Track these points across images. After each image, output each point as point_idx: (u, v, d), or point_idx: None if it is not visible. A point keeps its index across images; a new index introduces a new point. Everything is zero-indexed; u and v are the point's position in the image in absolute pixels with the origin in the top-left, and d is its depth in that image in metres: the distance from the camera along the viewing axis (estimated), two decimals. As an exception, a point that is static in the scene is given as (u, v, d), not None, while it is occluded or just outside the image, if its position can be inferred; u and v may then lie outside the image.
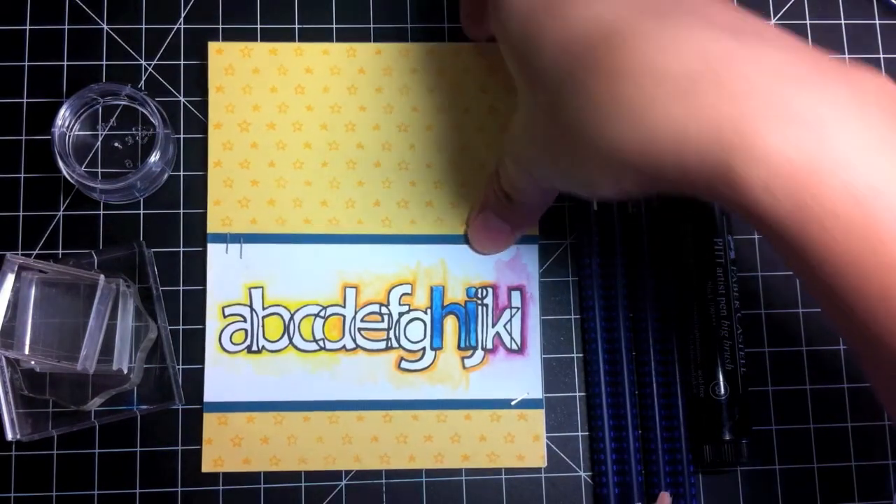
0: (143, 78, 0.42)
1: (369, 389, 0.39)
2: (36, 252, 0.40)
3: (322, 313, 0.39)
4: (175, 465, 0.39)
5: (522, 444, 0.39)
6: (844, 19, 0.44)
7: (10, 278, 0.37)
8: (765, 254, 0.42)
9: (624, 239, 0.41)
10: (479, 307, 0.40)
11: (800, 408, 0.41)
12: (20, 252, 0.40)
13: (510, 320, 0.40)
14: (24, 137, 0.41)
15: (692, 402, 0.40)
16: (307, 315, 0.39)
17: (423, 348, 0.39)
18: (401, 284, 0.40)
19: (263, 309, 0.39)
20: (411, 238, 0.40)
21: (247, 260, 0.39)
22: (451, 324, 0.40)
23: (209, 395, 0.39)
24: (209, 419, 0.39)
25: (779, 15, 0.44)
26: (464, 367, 0.39)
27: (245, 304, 0.39)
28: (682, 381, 0.40)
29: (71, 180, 0.39)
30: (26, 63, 0.42)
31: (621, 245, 0.41)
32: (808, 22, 0.44)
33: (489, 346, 0.40)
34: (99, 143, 0.41)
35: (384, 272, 0.40)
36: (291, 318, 0.39)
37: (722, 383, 0.39)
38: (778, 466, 0.40)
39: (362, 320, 0.39)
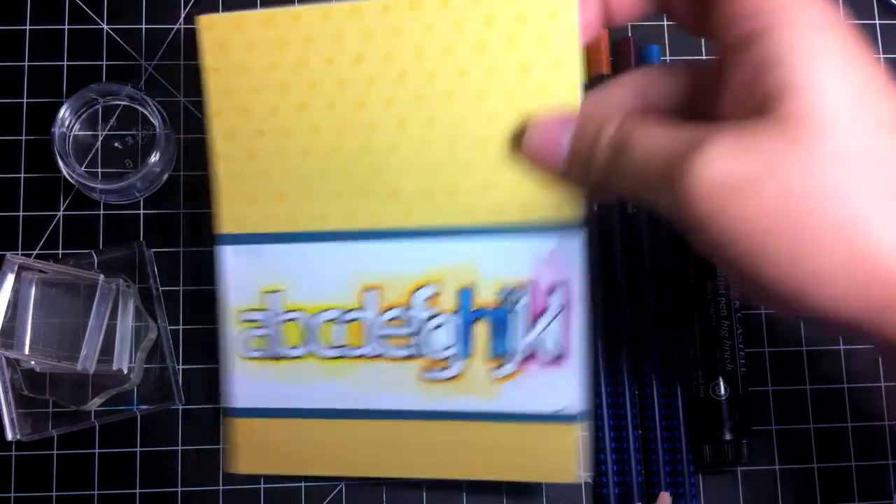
0: (143, 78, 0.42)
1: (392, 399, 0.36)
2: (36, 252, 0.40)
3: (341, 318, 0.36)
4: (175, 465, 0.39)
5: (554, 459, 0.36)
6: (844, 19, 0.44)
7: (10, 278, 0.37)
8: (765, 254, 0.42)
9: (624, 239, 0.41)
10: (514, 311, 0.35)
11: (800, 408, 0.41)
12: (20, 252, 0.40)
13: (549, 324, 0.35)
14: (24, 137, 0.41)
15: (692, 402, 0.40)
16: (327, 320, 0.36)
17: (450, 356, 0.36)
18: (426, 286, 0.35)
19: (282, 314, 0.37)
20: (436, 232, 0.35)
21: (261, 262, 0.36)
22: (481, 330, 0.35)
23: (234, 401, 0.37)
24: (235, 426, 0.38)
25: (779, 15, 0.44)
26: (495, 377, 0.35)
27: (263, 310, 0.37)
28: (682, 381, 0.40)
29: (71, 180, 0.39)
30: (26, 63, 0.42)
31: (621, 245, 0.41)
32: (808, 22, 0.44)
33: (524, 355, 0.35)
34: (99, 143, 0.41)
35: (406, 272, 0.35)
36: (310, 323, 0.36)
37: (722, 383, 0.39)
38: (778, 466, 0.40)
39: (384, 325, 0.36)
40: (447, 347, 0.36)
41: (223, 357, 0.37)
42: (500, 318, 0.35)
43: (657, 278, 0.40)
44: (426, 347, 0.36)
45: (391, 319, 0.36)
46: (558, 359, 0.35)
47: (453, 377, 0.36)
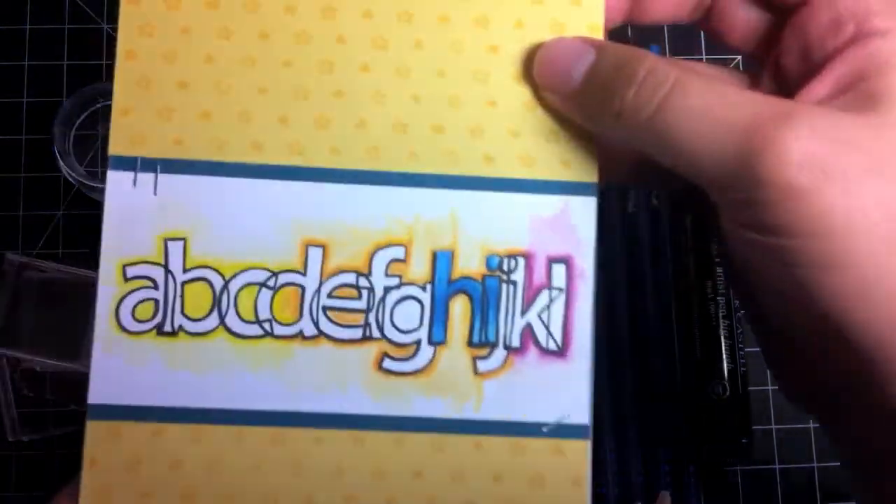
0: (143, 78, 0.42)
1: (334, 399, 0.27)
2: (36, 252, 0.40)
3: (271, 282, 0.27)
4: (175, 464, 0.39)
5: (556, 490, 0.27)
6: None
7: (11, 278, 0.37)
8: (765, 254, 0.42)
9: (624, 239, 0.41)
10: (505, 285, 0.27)
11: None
12: (20, 252, 0.40)
13: (548, 306, 0.27)
14: (24, 137, 0.41)
15: (692, 402, 0.40)
16: (249, 283, 0.27)
17: (418, 341, 0.27)
18: (390, 246, 0.27)
19: (185, 271, 0.27)
20: (410, 178, 0.28)
21: (164, 197, 0.27)
22: (460, 307, 0.27)
23: (96, 395, 0.26)
24: (95, 430, 0.27)
25: (779, 15, 0.44)
26: (476, 371, 0.27)
27: (157, 264, 0.27)
28: (682, 381, 0.40)
29: (71, 180, 0.39)
30: (26, 63, 0.42)
31: (622, 245, 0.41)
32: (808, 22, 0.44)
33: (515, 343, 0.27)
34: (99, 143, 0.41)
35: (366, 227, 0.27)
36: (225, 286, 0.27)
37: (722, 383, 0.39)
38: (778, 466, 0.40)
39: (330, 295, 0.27)
40: (414, 329, 0.27)
41: (94, 331, 0.27)
42: (487, 293, 0.27)
43: (657, 277, 0.41)
44: (386, 328, 0.27)
45: (340, 287, 0.27)
46: (560, 350, 0.27)
47: (420, 369, 0.27)
